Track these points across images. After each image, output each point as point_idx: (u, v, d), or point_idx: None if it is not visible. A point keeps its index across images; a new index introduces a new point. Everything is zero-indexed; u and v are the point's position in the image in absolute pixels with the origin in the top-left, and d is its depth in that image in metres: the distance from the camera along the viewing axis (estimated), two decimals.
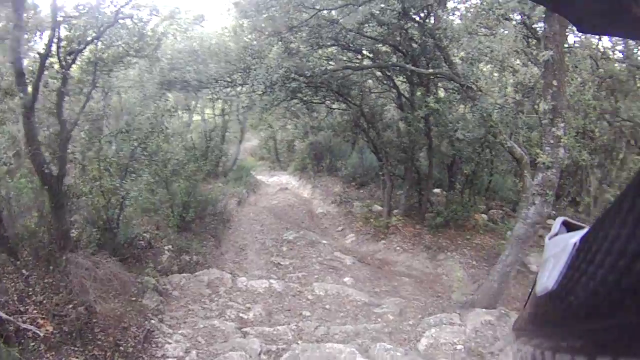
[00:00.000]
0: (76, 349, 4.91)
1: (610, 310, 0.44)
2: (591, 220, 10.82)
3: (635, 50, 10.69)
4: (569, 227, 1.41)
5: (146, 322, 6.40)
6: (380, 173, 14.47)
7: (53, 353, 4.67)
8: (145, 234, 9.64)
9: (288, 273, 10.43)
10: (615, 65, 10.61)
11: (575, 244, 0.72)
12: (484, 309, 7.67)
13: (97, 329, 5.37)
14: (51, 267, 5.74)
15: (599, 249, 0.50)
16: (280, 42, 10.23)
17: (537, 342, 0.73)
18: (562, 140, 7.12)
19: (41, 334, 4.63)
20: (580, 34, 10.81)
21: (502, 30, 9.99)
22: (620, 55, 10.88)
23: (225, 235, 12.77)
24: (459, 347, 6.53)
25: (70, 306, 5.29)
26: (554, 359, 0.58)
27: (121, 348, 5.47)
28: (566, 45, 9.14)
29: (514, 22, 10.43)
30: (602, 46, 11.13)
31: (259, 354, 6.23)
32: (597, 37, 10.54)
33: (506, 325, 6.88)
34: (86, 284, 5.78)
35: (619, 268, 0.43)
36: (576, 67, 9.37)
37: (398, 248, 12.51)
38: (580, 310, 0.52)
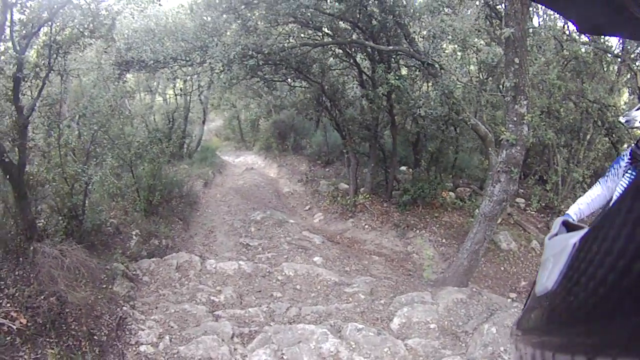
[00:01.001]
0: (51, 340, 4.89)
1: (609, 310, 0.46)
2: (560, 198, 11.26)
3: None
4: (568, 227, 1.53)
5: (118, 309, 6.39)
6: (345, 151, 14.55)
7: (29, 346, 4.65)
8: (112, 220, 9.50)
9: (257, 254, 10.44)
10: (581, 47, 10.79)
11: (575, 244, 0.78)
12: (455, 287, 7.84)
13: (70, 319, 5.34)
14: (20, 259, 5.66)
15: (599, 249, 0.53)
16: (239, 20, 10.13)
17: (537, 342, 0.78)
18: (525, 117, 7.19)
19: (15, 328, 4.61)
20: (544, 15, 11.03)
21: (465, 10, 10.11)
22: (586, 38, 11.11)
23: (193, 217, 12.68)
24: (432, 326, 6.65)
25: (42, 297, 5.25)
26: (554, 359, 0.63)
27: (95, 337, 5.47)
28: (531, 29, 9.28)
29: (477, 3, 10.55)
30: (568, 29, 11.36)
31: (232, 337, 6.28)
32: (562, 19, 10.72)
33: (478, 304, 7.05)
34: (54, 273, 5.70)
35: (619, 268, 0.45)
36: (540, 47, 9.54)
37: (366, 226, 12.72)
38: (580, 310, 0.56)
